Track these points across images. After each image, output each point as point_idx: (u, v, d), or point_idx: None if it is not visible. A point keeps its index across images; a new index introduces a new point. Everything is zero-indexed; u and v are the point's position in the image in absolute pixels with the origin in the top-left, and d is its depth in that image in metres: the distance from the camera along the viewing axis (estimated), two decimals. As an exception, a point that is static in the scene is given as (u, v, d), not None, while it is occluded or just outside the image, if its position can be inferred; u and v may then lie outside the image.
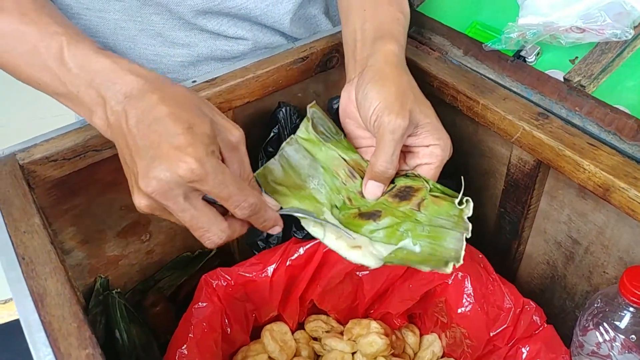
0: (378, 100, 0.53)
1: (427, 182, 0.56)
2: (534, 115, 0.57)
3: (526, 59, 0.62)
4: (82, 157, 0.61)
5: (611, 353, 0.57)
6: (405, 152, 0.58)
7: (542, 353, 0.55)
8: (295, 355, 0.66)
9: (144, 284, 0.78)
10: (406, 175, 0.58)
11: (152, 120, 0.46)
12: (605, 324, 0.55)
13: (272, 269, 0.63)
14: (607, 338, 0.55)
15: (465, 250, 0.60)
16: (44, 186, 0.62)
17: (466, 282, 0.60)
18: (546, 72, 0.61)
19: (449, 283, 0.61)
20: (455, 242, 0.51)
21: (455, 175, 0.73)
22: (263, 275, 0.63)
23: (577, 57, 0.60)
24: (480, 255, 0.63)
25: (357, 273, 0.64)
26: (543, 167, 0.59)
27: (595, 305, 0.56)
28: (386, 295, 0.66)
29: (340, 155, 0.60)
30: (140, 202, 0.47)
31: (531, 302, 0.58)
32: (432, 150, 0.56)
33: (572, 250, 0.62)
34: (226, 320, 0.63)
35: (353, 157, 0.60)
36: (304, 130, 0.61)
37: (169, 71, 0.74)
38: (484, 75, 0.63)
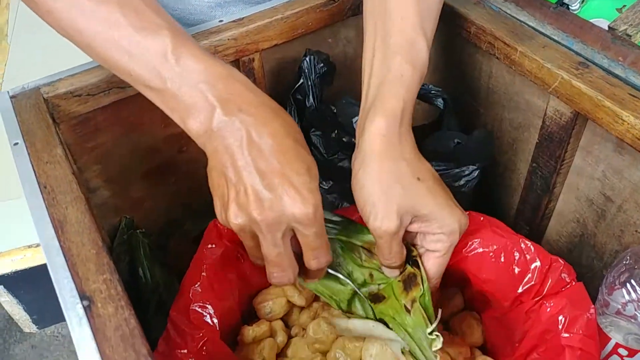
0: (363, 201, 0.50)
1: (423, 284, 0.54)
2: (574, 65, 0.54)
3: (570, 6, 0.59)
4: (106, 94, 0.60)
5: (637, 313, 0.56)
6: (416, 232, 0.54)
7: (567, 309, 0.54)
8: (314, 300, 0.66)
9: (169, 226, 0.78)
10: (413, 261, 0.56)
11: (276, 150, 0.45)
12: (632, 282, 0.53)
13: None
14: (634, 297, 0.54)
15: (484, 218, 0.59)
16: (69, 122, 0.62)
17: (488, 252, 0.58)
18: (590, 20, 0.58)
19: (468, 256, 0.59)
20: None
21: (490, 126, 0.71)
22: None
23: (624, 6, 0.57)
24: (501, 223, 0.60)
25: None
26: (580, 120, 0.56)
27: (624, 262, 0.54)
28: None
29: (352, 242, 0.59)
30: (237, 220, 0.46)
31: (560, 260, 0.56)
32: (437, 238, 0.52)
33: (604, 208, 0.60)
34: (242, 261, 0.63)
35: (365, 239, 0.59)
36: None
37: (195, 12, 0.73)
38: (524, 22, 0.60)
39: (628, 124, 0.49)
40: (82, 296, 0.41)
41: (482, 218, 0.58)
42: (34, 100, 0.58)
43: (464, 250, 0.58)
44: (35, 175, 0.50)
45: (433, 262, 0.54)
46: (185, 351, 0.53)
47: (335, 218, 0.60)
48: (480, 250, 0.57)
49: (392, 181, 0.49)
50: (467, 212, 0.58)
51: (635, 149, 0.50)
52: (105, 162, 0.68)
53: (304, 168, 0.46)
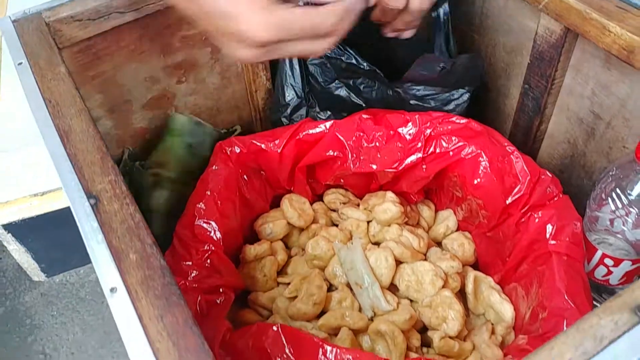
0: None
1: None
2: (564, -20, 0.55)
3: None
4: (106, 19, 0.62)
5: (624, 229, 0.58)
6: None
7: (555, 219, 0.56)
8: (313, 223, 0.68)
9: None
10: None
11: None
12: (619, 192, 0.55)
13: (283, 142, 0.64)
14: (619, 208, 0.56)
15: (480, 125, 0.61)
16: (70, 49, 0.63)
17: (481, 156, 0.60)
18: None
19: (464, 158, 0.61)
20: None
21: (484, 52, 0.72)
22: (274, 146, 0.64)
23: None
24: (497, 133, 0.62)
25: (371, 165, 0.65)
26: (570, 36, 0.57)
27: (611, 174, 0.56)
28: (400, 177, 0.67)
29: None
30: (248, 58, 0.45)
31: (547, 172, 0.58)
32: None
33: (593, 127, 0.61)
34: (244, 185, 0.65)
35: None
36: None
37: None
38: (515, -58, 0.61)
39: (614, 34, 0.50)
40: (89, 195, 0.43)
41: (481, 127, 0.60)
42: (36, 24, 0.59)
43: (461, 153, 0.60)
44: (40, 91, 0.52)
45: None
46: (190, 263, 0.56)
47: None
48: (475, 155, 0.59)
49: None
50: (468, 120, 0.60)
51: (621, 60, 0.51)
52: (106, 91, 0.69)
53: None
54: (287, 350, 0.45)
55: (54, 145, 0.47)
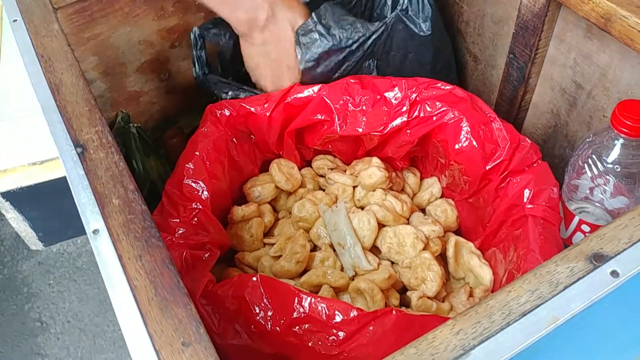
0: None
1: None
2: (548, -51, 0.56)
3: None
4: (101, -21, 0.63)
5: (603, 197, 0.59)
6: None
7: (532, 184, 0.57)
8: (300, 187, 0.70)
9: (164, 122, 0.82)
10: None
11: None
12: (595, 158, 0.56)
13: (272, 106, 0.65)
14: (597, 174, 0.57)
15: (464, 92, 0.62)
16: (66, 10, 0.64)
17: (463, 122, 0.61)
18: None
19: (447, 123, 0.62)
20: None
21: (470, 26, 0.73)
22: (262, 110, 0.65)
23: None
24: (480, 100, 0.63)
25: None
26: (552, 6, 0.58)
27: (588, 140, 0.57)
28: (386, 142, 0.68)
29: None
30: None
31: (527, 139, 0.60)
32: None
33: (575, 96, 0.63)
34: (234, 149, 0.67)
35: None
36: None
37: None
38: None
39: (593, 2, 0.51)
40: (76, 144, 0.45)
41: (464, 93, 0.62)
42: (30, -17, 0.60)
43: (444, 118, 0.61)
44: (34, 46, 0.53)
45: None
46: (177, 220, 0.57)
47: None
48: (457, 120, 0.61)
49: None
50: (453, 86, 0.61)
51: (600, 27, 0.52)
52: (101, 53, 0.70)
53: None
54: (265, 299, 0.47)
55: (45, 98, 0.49)
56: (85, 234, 1.57)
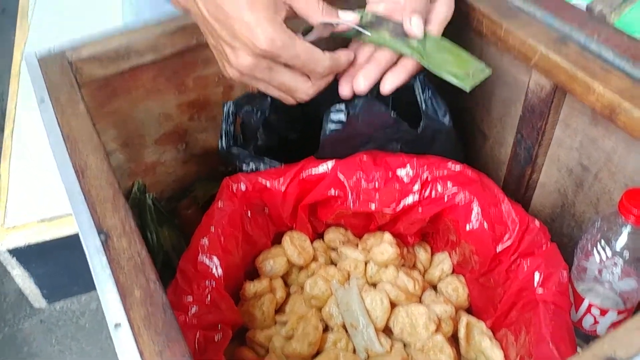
0: None
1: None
2: (553, 40, 0.59)
3: (553, -12, 0.63)
4: (125, 59, 0.66)
5: (611, 280, 0.60)
6: None
7: (542, 267, 0.58)
8: (312, 261, 0.71)
9: (179, 192, 0.83)
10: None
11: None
12: (604, 244, 0.57)
13: (286, 181, 0.67)
14: (605, 260, 0.58)
15: (475, 173, 0.64)
16: (89, 86, 0.67)
17: (474, 203, 0.63)
18: (571, 2, 0.62)
19: (458, 205, 0.64)
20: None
21: (479, 105, 0.75)
22: (278, 185, 0.67)
23: (603, -12, 0.61)
24: (490, 180, 0.65)
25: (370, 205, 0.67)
26: (558, 93, 0.61)
27: (597, 225, 0.58)
28: (398, 218, 0.69)
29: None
30: (234, 75, 0.57)
31: (536, 221, 0.61)
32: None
33: (582, 178, 0.64)
34: (247, 222, 0.68)
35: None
36: None
37: None
38: (509, 1, 0.64)
39: (598, 93, 0.53)
40: (100, 231, 0.46)
41: (475, 174, 0.64)
42: (59, 62, 0.63)
43: (456, 199, 0.63)
44: (60, 126, 0.55)
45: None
46: (191, 298, 0.58)
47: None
48: (468, 201, 0.62)
49: None
50: (463, 166, 0.63)
51: (604, 117, 0.54)
52: (121, 126, 0.73)
53: (244, 2, 0.51)
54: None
55: (69, 181, 0.50)
56: (89, 291, 1.57)
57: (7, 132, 1.60)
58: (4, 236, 1.45)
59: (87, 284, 1.60)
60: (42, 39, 1.85)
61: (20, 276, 1.55)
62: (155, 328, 0.39)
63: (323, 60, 0.56)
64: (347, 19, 0.58)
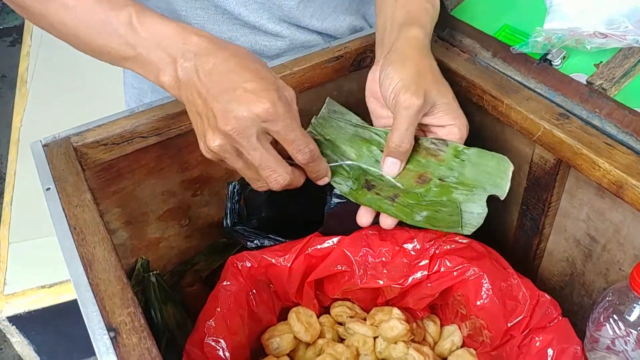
0: (397, 80, 0.58)
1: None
2: (555, 116, 0.59)
3: (552, 62, 0.65)
4: (130, 143, 0.66)
5: (626, 348, 0.59)
6: (424, 131, 0.63)
7: (555, 342, 0.57)
8: (319, 337, 0.70)
9: (182, 266, 0.83)
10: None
11: (225, 70, 0.52)
12: (616, 317, 0.57)
13: (292, 257, 0.67)
14: (618, 332, 0.57)
15: (482, 247, 0.64)
16: (94, 169, 0.67)
17: (484, 278, 0.62)
18: (571, 75, 0.63)
19: (468, 279, 0.63)
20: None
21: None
22: (284, 261, 0.67)
23: (601, 62, 0.63)
24: (498, 254, 0.65)
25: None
26: (563, 166, 0.61)
27: (608, 299, 0.58)
28: (406, 293, 0.69)
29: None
30: (215, 142, 0.53)
31: (546, 295, 0.60)
32: (449, 130, 0.61)
33: (590, 248, 0.64)
34: (253, 300, 0.67)
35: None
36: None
37: None
38: (510, 77, 0.65)
39: (604, 170, 0.54)
40: (109, 328, 0.45)
41: (483, 248, 0.64)
42: (64, 149, 0.63)
43: (465, 274, 0.62)
44: (66, 217, 0.55)
45: None
46: (199, 383, 0.57)
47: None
48: (478, 277, 0.62)
49: (425, 70, 0.59)
50: (469, 240, 0.63)
51: (611, 192, 0.54)
52: (125, 205, 0.73)
53: (253, 75, 0.52)
54: None
55: (77, 275, 0.50)
56: (89, 356, 1.53)
57: (6, 199, 1.60)
58: (4, 304, 1.43)
59: (87, 350, 1.58)
60: (41, 105, 1.87)
61: (19, 343, 1.52)
62: None
63: (312, 142, 0.57)
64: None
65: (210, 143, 0.54)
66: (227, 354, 0.60)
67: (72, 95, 1.91)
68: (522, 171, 0.68)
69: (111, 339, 0.44)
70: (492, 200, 0.75)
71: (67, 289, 1.45)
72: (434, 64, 0.62)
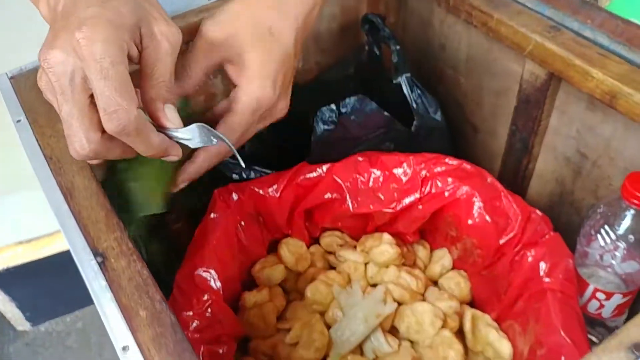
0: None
1: None
2: (547, 28, 0.58)
3: (541, -24, 0.63)
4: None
5: (613, 262, 0.60)
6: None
7: (547, 257, 0.57)
8: (310, 267, 0.69)
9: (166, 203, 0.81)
10: None
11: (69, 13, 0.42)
12: (606, 227, 0.57)
13: (281, 187, 0.65)
14: (609, 242, 0.57)
15: (473, 167, 0.63)
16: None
17: (475, 197, 0.62)
18: (560, -12, 0.61)
19: (459, 199, 0.63)
20: None
21: (469, 98, 0.74)
22: (272, 191, 0.65)
23: (591, -27, 0.61)
24: (488, 174, 0.64)
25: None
26: (554, 81, 0.60)
27: (599, 211, 0.58)
28: (397, 217, 0.68)
29: None
30: (40, 79, 0.44)
31: (537, 211, 0.60)
32: (235, 94, 0.51)
33: (580, 165, 0.64)
34: (241, 232, 0.66)
35: None
36: None
37: None
38: (499, -8, 0.63)
39: (597, 80, 0.53)
40: (95, 253, 0.43)
41: (473, 168, 0.63)
42: (32, 80, 0.60)
43: (457, 193, 0.62)
44: (41, 148, 0.52)
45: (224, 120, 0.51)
46: (191, 313, 0.56)
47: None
48: (469, 195, 0.61)
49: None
50: (460, 161, 0.62)
51: (604, 103, 0.53)
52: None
53: (96, 1, 0.41)
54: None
55: (57, 203, 0.47)
56: (74, 310, 1.53)
57: (-23, 153, 1.55)
58: (-19, 260, 1.41)
59: (71, 304, 1.57)
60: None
61: (1, 300, 1.51)
62: (167, 349, 0.37)
63: (129, 110, 0.41)
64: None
65: (37, 77, 0.44)
66: (219, 284, 0.59)
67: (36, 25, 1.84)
68: (511, 91, 0.67)
69: (99, 264, 0.43)
70: (479, 121, 0.74)
71: (46, 243, 1.43)
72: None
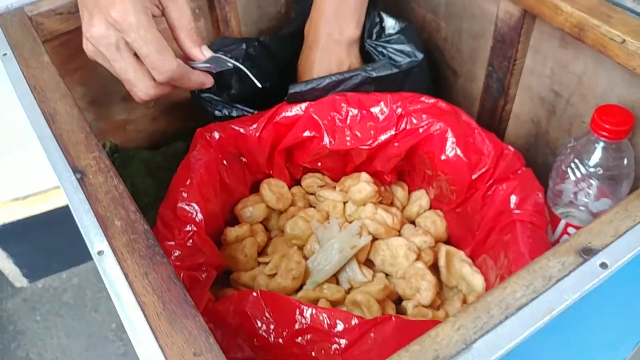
0: None
1: None
2: (519, -36, 0.59)
3: None
4: (87, 11, 0.64)
5: (587, 200, 0.61)
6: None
7: (518, 190, 0.59)
8: (291, 206, 0.71)
9: (151, 150, 0.82)
10: None
11: None
12: (577, 162, 0.58)
13: (261, 126, 0.67)
14: (579, 176, 0.59)
15: (448, 105, 0.65)
16: (52, 42, 0.65)
17: (448, 133, 0.63)
18: None
19: (433, 135, 0.64)
20: None
21: (448, 42, 0.75)
22: (252, 130, 0.67)
23: None
24: (463, 112, 0.65)
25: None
26: (527, 18, 0.61)
27: (569, 145, 0.59)
28: (374, 156, 0.70)
29: None
30: (87, 47, 0.54)
31: (510, 147, 0.62)
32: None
33: (554, 104, 0.65)
34: (224, 171, 0.67)
35: None
36: None
37: None
38: None
39: (566, 13, 0.54)
40: (75, 170, 0.45)
41: (449, 106, 0.64)
42: (18, 18, 0.61)
43: (430, 129, 0.63)
44: (25, 78, 0.54)
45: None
46: (173, 243, 0.58)
47: None
48: (443, 131, 0.63)
49: None
50: (436, 100, 0.63)
51: (574, 37, 0.55)
52: (87, 84, 0.71)
53: None
54: (266, 313, 0.48)
55: (40, 128, 0.49)
56: (70, 267, 1.55)
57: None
58: (-23, 217, 1.43)
59: (67, 261, 1.60)
60: None
61: (-2, 256, 1.53)
62: (139, 252, 0.39)
63: (170, 62, 0.52)
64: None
65: (84, 47, 0.54)
66: (201, 217, 0.60)
67: None
68: (487, 32, 0.68)
69: (78, 180, 0.44)
70: (459, 65, 0.75)
71: (42, 199, 1.45)
72: None
